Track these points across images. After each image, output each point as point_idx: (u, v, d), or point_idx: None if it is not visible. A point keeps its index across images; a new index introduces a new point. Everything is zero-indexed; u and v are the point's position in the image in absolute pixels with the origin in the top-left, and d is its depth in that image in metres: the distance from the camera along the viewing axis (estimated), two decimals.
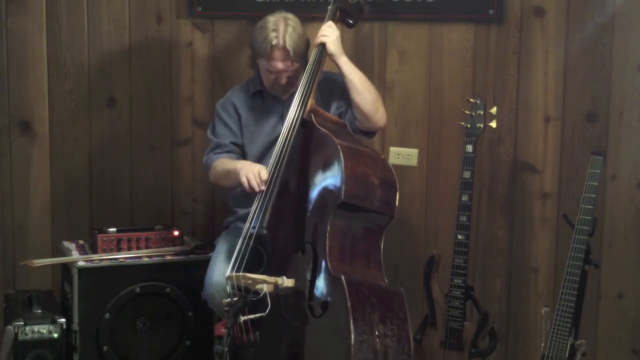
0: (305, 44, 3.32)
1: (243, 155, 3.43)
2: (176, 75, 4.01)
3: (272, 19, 3.29)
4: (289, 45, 3.23)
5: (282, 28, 3.25)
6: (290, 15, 3.32)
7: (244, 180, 3.11)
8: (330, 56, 3.27)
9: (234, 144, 3.42)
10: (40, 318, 3.45)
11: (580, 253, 3.15)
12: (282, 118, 3.38)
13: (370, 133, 3.39)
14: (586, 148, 3.54)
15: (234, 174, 3.20)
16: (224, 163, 3.35)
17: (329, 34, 3.27)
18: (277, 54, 3.24)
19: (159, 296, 3.56)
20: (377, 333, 2.85)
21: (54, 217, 4.00)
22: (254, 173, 3.10)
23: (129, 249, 3.60)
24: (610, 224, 3.57)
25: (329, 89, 3.39)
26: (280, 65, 3.26)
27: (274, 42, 3.23)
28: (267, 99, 3.44)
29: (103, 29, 3.96)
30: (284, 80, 3.31)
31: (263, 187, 3.08)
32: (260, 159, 3.39)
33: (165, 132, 4.05)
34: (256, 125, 3.43)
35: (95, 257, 3.54)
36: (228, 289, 2.99)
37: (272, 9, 3.41)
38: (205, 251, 3.62)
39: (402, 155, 3.80)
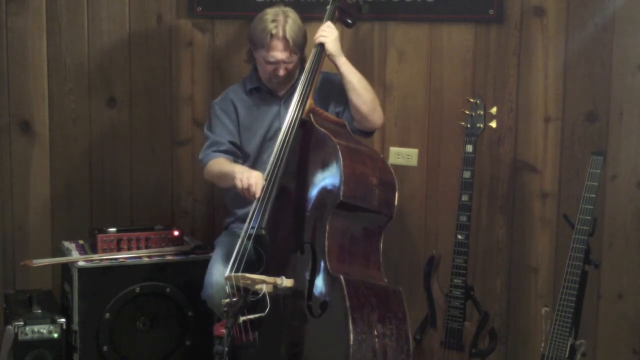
0: (304, 37, 3.33)
1: (240, 153, 3.43)
2: (176, 75, 4.02)
3: (271, 11, 3.32)
4: (288, 35, 3.24)
5: (281, 19, 3.27)
6: (289, 9, 3.34)
7: (238, 183, 3.09)
8: (329, 56, 3.28)
9: (231, 142, 3.42)
10: (40, 318, 3.46)
11: (580, 253, 3.15)
12: (279, 115, 3.39)
13: (367, 133, 3.40)
14: (586, 148, 3.54)
15: (230, 177, 3.18)
16: (221, 164, 3.34)
17: (328, 34, 3.28)
18: (277, 43, 3.25)
19: (159, 296, 3.56)
20: (376, 333, 2.85)
21: (54, 217, 4.00)
22: (248, 177, 3.08)
23: (129, 249, 3.60)
24: (610, 224, 3.56)
25: (326, 89, 3.39)
26: (279, 55, 3.26)
27: (274, 31, 3.24)
28: (264, 96, 3.45)
29: (103, 29, 3.96)
30: (282, 72, 3.31)
31: (258, 195, 3.05)
32: (257, 155, 3.40)
33: (165, 132, 4.05)
34: (253, 122, 3.43)
35: (95, 257, 3.54)
36: (227, 289, 2.99)
37: None
38: (205, 251, 3.61)
39: (402, 155, 3.79)
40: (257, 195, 3.05)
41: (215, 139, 3.42)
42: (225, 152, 3.40)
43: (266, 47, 3.26)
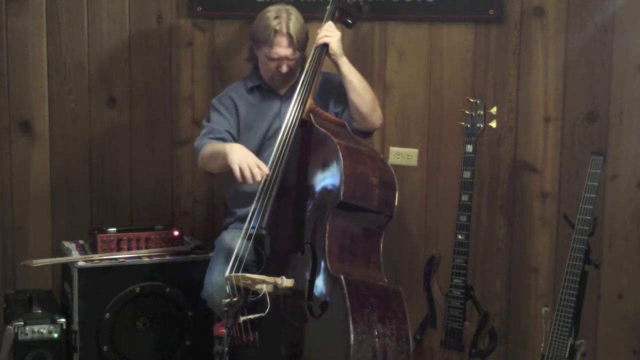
0: (306, 35, 3.33)
1: None
2: (176, 75, 4.02)
3: (273, 8, 3.32)
4: (292, 32, 3.25)
5: (284, 16, 3.28)
6: (290, 7, 3.35)
7: (236, 168, 3.03)
8: (332, 56, 3.28)
9: (229, 132, 3.39)
10: (40, 318, 3.46)
11: (580, 253, 3.15)
12: (280, 113, 3.39)
13: (366, 133, 3.40)
14: (586, 148, 3.53)
15: (221, 156, 3.13)
16: (212, 146, 3.28)
17: (332, 34, 3.28)
18: (281, 39, 3.25)
19: (159, 296, 3.56)
20: (376, 333, 2.85)
21: (54, 217, 4.00)
22: (249, 164, 3.04)
23: (129, 249, 3.60)
24: (610, 224, 3.56)
25: (326, 89, 3.39)
26: (283, 51, 3.26)
27: (277, 27, 3.24)
28: (265, 94, 3.45)
29: (103, 29, 3.96)
30: (284, 69, 3.31)
31: (259, 178, 3.02)
32: (257, 154, 3.36)
33: (165, 132, 4.05)
34: (253, 120, 3.43)
35: (95, 257, 3.54)
36: (227, 289, 2.99)
37: None
38: (205, 251, 3.61)
39: (402, 155, 3.79)
40: (259, 178, 3.01)
41: (212, 126, 3.39)
42: (222, 139, 3.34)
43: (270, 44, 3.26)
